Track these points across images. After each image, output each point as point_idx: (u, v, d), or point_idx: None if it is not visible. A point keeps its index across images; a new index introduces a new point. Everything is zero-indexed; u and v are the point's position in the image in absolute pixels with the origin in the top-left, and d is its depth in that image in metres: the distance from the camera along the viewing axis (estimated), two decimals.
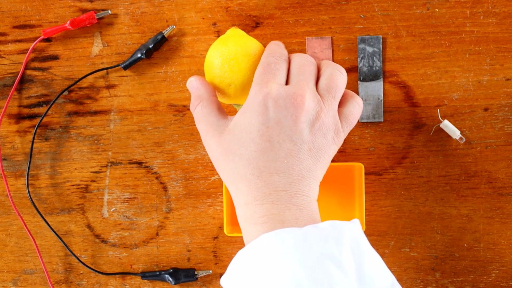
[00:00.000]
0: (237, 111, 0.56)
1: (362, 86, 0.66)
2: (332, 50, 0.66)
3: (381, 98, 0.66)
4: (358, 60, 0.66)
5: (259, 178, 0.52)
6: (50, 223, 0.68)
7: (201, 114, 0.56)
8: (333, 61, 0.66)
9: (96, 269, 0.68)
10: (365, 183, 0.66)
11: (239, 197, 0.53)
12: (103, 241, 0.68)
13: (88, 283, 0.68)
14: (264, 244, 0.50)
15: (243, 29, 0.66)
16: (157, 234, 0.68)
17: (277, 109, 0.52)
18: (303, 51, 0.66)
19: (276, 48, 0.57)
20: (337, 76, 0.55)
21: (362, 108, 0.58)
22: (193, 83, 0.58)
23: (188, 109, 0.67)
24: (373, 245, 0.67)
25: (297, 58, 0.56)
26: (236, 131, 0.54)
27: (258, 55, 0.61)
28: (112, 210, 0.68)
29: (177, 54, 0.67)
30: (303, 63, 0.55)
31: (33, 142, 0.67)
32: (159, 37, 0.65)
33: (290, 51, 0.66)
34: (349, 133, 0.66)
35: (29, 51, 0.66)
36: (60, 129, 0.67)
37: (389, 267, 0.67)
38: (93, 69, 0.67)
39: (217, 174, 0.67)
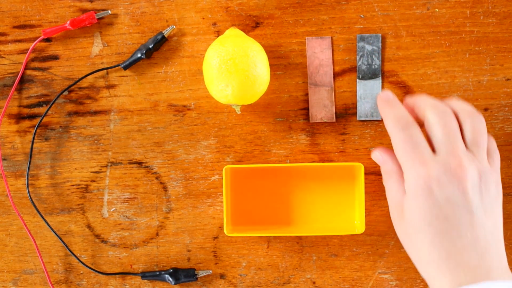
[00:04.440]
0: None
1: (361, 84, 0.66)
2: (332, 50, 0.66)
3: None
4: (357, 58, 0.66)
5: (448, 259, 0.50)
6: (50, 223, 0.68)
7: (390, 190, 0.56)
8: (333, 61, 0.66)
9: (96, 269, 0.68)
10: (365, 183, 0.65)
11: (432, 283, 0.51)
12: (103, 241, 0.68)
13: (88, 283, 0.68)
14: None
15: (243, 29, 0.66)
16: (157, 234, 0.68)
17: (442, 188, 0.51)
18: (303, 51, 0.66)
19: (397, 112, 0.54)
20: (480, 127, 0.54)
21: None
22: (378, 157, 0.58)
23: (188, 109, 0.67)
24: (373, 245, 0.67)
25: (434, 116, 0.53)
26: (409, 217, 0.53)
27: (256, 55, 0.61)
28: (112, 210, 0.68)
29: (177, 54, 0.67)
30: (444, 121, 0.53)
31: (33, 142, 0.67)
32: (159, 37, 0.65)
33: (290, 51, 0.66)
34: (349, 133, 0.66)
35: (29, 51, 0.66)
36: (60, 129, 0.67)
37: (389, 267, 0.67)
38: (93, 69, 0.67)
39: (217, 174, 0.67)
